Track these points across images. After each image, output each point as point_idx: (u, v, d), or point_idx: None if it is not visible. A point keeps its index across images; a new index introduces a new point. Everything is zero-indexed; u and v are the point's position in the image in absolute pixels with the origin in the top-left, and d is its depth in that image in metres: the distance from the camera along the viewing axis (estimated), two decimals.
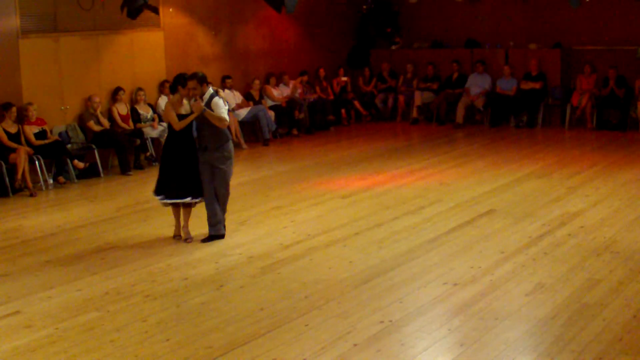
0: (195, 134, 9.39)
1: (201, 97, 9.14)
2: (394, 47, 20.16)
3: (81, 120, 14.01)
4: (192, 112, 9.22)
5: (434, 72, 19.10)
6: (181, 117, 9.27)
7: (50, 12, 13.61)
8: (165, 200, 9.43)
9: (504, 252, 8.65)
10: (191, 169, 9.30)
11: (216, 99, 9.20)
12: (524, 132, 17.39)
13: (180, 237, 9.54)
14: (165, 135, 14.26)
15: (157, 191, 9.48)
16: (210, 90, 9.29)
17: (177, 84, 9.42)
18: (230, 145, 9.40)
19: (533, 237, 9.18)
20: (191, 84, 9.16)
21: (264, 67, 17.78)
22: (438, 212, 10.50)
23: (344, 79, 19.12)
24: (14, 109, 12.62)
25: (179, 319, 6.99)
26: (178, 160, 9.33)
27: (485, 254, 8.60)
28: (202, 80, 9.18)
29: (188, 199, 9.36)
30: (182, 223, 9.55)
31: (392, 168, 13.60)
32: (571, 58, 18.16)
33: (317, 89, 18.52)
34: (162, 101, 15.12)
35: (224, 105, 9.24)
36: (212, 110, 9.12)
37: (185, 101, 9.32)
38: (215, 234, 9.46)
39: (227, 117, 9.20)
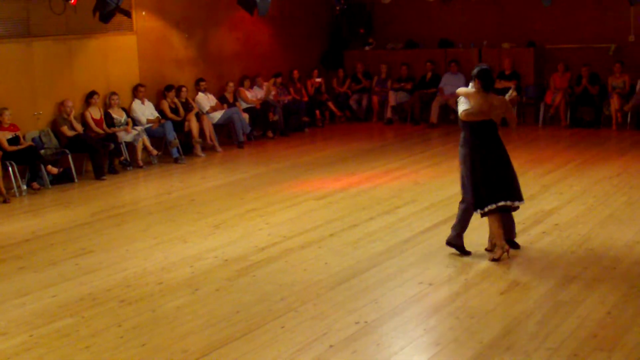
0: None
1: None
2: (367, 48, 20.20)
3: (54, 126, 13.91)
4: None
5: (407, 73, 19.15)
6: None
7: (23, 17, 13.49)
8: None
9: (479, 250, 8.67)
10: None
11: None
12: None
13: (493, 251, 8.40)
14: (140, 139, 14.43)
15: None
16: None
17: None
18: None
19: None
20: None
21: (238, 69, 17.75)
22: (413, 212, 10.53)
23: (318, 80, 19.13)
24: None
25: (155, 324, 6.96)
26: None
27: (460, 253, 8.62)
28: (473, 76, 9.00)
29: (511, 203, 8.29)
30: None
31: (366, 169, 13.62)
32: (544, 56, 18.28)
33: (291, 90, 18.51)
34: (136, 105, 15.09)
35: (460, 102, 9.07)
36: None
37: None
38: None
39: (461, 112, 9.06)
